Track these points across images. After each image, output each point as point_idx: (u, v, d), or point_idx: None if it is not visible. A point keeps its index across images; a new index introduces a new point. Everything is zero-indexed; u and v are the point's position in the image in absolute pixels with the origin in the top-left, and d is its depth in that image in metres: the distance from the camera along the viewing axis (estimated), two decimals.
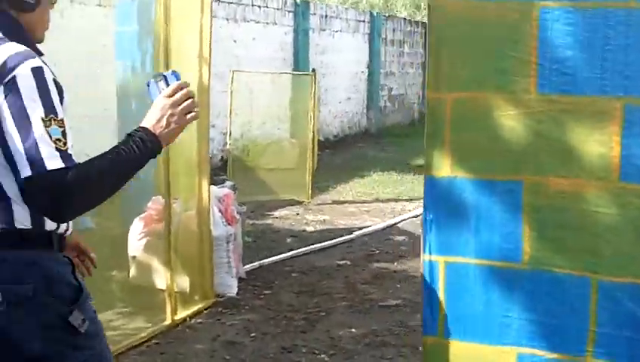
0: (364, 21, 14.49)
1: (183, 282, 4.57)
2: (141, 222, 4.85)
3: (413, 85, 16.89)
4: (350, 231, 6.86)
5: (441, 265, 2.61)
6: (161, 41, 4.12)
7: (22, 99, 1.64)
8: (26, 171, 1.62)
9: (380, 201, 8.43)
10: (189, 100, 1.80)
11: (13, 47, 1.71)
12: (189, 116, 1.80)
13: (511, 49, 2.43)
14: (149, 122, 1.77)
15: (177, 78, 1.82)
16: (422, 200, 2.66)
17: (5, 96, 1.64)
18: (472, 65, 2.49)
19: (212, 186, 4.86)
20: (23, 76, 1.66)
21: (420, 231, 2.79)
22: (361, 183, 9.52)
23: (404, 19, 16.94)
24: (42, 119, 1.63)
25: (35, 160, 1.61)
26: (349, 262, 5.87)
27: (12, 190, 1.70)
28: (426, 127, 2.57)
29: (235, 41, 10.60)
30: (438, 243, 2.61)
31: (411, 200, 8.29)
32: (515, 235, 2.50)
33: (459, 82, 2.52)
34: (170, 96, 1.78)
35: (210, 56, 4.24)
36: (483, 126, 2.50)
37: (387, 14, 16.51)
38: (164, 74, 1.83)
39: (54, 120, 1.65)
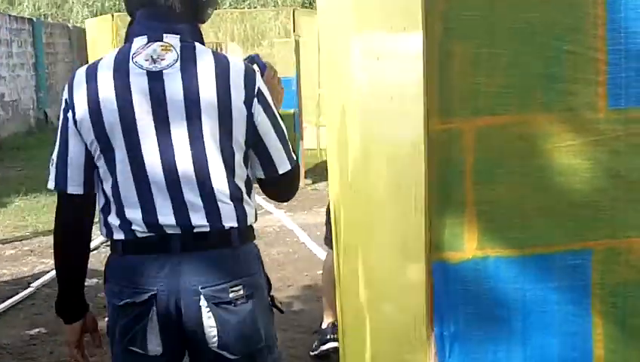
0: None
1: None
2: None
3: (26, 89, 14.73)
4: (26, 282, 5.26)
5: None
6: None
7: (269, 102, 1.86)
8: (285, 166, 1.89)
9: (44, 235, 6.76)
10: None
11: (233, 57, 1.89)
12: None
13: (566, 41, 1.48)
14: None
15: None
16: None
17: (258, 101, 1.82)
18: (503, 72, 1.48)
19: None
20: (261, 80, 1.87)
21: None
22: (3, 214, 7.63)
23: (10, 15, 14.69)
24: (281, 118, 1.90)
25: (290, 155, 1.91)
26: (43, 330, 4.38)
27: (244, 189, 1.84)
28: (425, 178, 1.48)
29: None
30: None
31: None
32: (584, 335, 1.57)
33: (483, 101, 1.48)
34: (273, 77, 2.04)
35: None
36: (526, 169, 1.51)
37: None
38: (252, 55, 2.07)
39: None
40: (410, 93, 1.42)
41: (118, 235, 1.82)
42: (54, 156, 1.86)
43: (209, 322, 1.80)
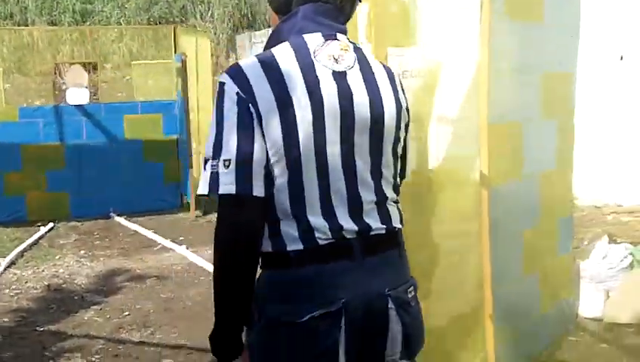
0: None
1: None
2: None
3: None
4: None
5: None
6: None
7: None
8: (408, 172, 1.96)
9: None
10: None
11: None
12: None
13: None
14: None
15: None
16: None
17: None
18: None
19: None
20: None
21: None
22: None
23: None
24: None
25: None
26: None
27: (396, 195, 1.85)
28: None
29: None
30: None
31: None
32: None
33: None
34: None
35: None
36: None
37: None
38: None
39: None
40: None
41: (294, 245, 1.66)
42: (229, 155, 1.61)
43: (396, 326, 1.75)
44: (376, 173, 1.76)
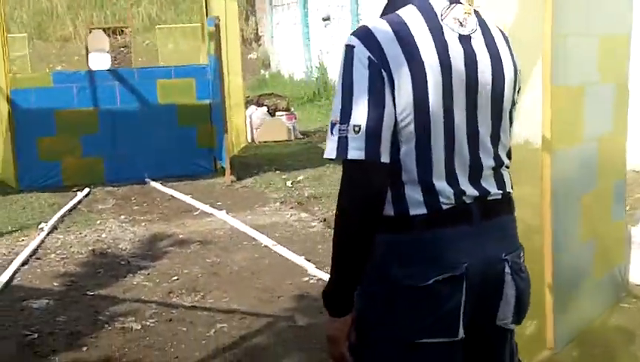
0: None
1: None
2: None
3: None
4: None
5: None
6: None
7: None
8: None
9: None
10: None
11: None
12: None
13: None
14: None
15: None
16: None
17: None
18: None
19: None
20: None
21: None
22: None
23: None
24: None
25: None
26: None
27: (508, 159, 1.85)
28: None
29: None
30: None
31: None
32: None
33: None
34: None
35: None
36: None
37: None
38: None
39: None
40: None
41: (418, 209, 1.68)
42: (360, 121, 1.61)
43: (510, 291, 1.77)
44: (495, 138, 1.77)
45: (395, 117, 1.62)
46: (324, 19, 14.99)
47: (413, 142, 1.65)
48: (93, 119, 7.90)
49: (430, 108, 1.64)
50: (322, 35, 15.01)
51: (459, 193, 1.70)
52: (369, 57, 1.62)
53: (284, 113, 10.60)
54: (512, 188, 1.83)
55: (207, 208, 6.75)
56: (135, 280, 4.94)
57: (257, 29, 20.88)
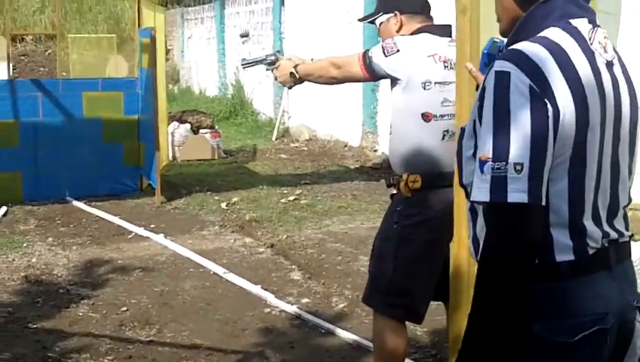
0: None
1: None
2: None
3: None
4: None
5: None
6: None
7: None
8: None
9: None
10: None
11: None
12: None
13: None
14: None
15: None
16: None
17: None
18: None
19: None
20: None
21: None
22: None
23: None
24: None
25: None
26: None
27: None
28: None
29: None
30: None
31: None
32: None
33: None
34: None
35: None
36: None
37: None
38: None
39: None
40: None
41: (565, 256, 1.54)
42: (522, 159, 1.45)
43: (638, 341, 1.66)
44: (626, 173, 1.68)
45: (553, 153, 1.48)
46: (242, 36, 14.72)
47: (566, 181, 1.52)
48: (13, 132, 7.34)
49: (588, 143, 1.51)
50: (239, 51, 14.73)
51: (604, 235, 1.58)
52: (530, 86, 1.46)
53: (208, 130, 10.24)
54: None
55: (141, 231, 6.36)
56: (79, 310, 4.54)
57: (166, 43, 20.35)
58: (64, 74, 13.68)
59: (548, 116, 1.45)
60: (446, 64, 2.90)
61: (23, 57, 19.09)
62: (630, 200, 1.70)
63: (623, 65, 1.65)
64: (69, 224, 6.70)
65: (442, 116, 2.88)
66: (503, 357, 1.53)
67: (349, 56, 3.08)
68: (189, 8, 18.94)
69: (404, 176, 2.92)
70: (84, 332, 4.21)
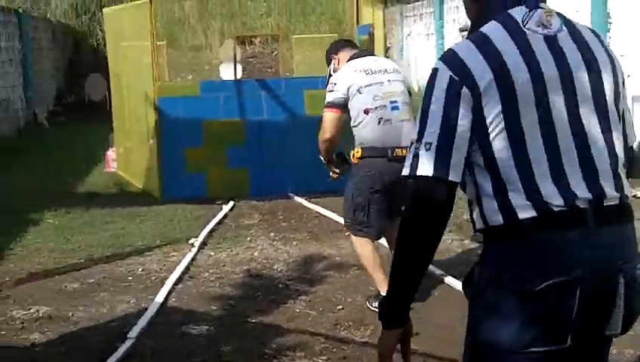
0: None
1: None
2: None
3: (16, 87, 13.25)
4: (117, 330, 4.01)
5: None
6: None
7: None
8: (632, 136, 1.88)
9: (104, 263, 5.51)
10: None
11: None
12: None
13: None
14: None
15: None
16: None
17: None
18: None
19: None
20: None
21: None
22: (40, 233, 6.36)
23: None
24: None
25: None
26: None
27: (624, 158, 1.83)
28: None
29: None
30: None
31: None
32: None
33: None
34: None
35: None
36: None
37: None
38: None
39: None
40: None
41: (527, 213, 1.68)
42: (431, 139, 1.70)
43: (619, 303, 1.71)
44: (609, 133, 1.74)
45: (487, 127, 1.67)
46: (462, 30, 14.39)
47: (509, 149, 1.68)
48: (240, 130, 7.66)
49: (521, 112, 1.68)
50: None
51: (569, 196, 1.67)
52: (450, 77, 1.69)
53: None
54: (629, 191, 1.77)
55: None
56: (297, 307, 4.56)
57: (385, 41, 20.48)
58: (287, 74, 14.20)
59: (467, 98, 1.67)
60: (367, 72, 4.35)
61: (251, 59, 20.11)
62: (618, 160, 1.75)
63: (578, 36, 1.78)
64: (290, 219, 6.85)
65: (376, 108, 4.28)
66: (481, 310, 1.73)
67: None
68: (408, 5, 18.89)
69: (353, 151, 4.39)
70: (301, 329, 4.21)
